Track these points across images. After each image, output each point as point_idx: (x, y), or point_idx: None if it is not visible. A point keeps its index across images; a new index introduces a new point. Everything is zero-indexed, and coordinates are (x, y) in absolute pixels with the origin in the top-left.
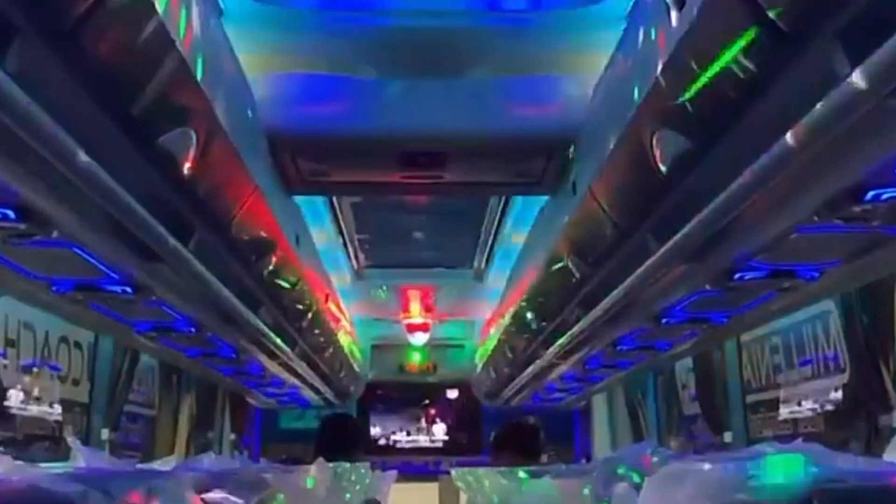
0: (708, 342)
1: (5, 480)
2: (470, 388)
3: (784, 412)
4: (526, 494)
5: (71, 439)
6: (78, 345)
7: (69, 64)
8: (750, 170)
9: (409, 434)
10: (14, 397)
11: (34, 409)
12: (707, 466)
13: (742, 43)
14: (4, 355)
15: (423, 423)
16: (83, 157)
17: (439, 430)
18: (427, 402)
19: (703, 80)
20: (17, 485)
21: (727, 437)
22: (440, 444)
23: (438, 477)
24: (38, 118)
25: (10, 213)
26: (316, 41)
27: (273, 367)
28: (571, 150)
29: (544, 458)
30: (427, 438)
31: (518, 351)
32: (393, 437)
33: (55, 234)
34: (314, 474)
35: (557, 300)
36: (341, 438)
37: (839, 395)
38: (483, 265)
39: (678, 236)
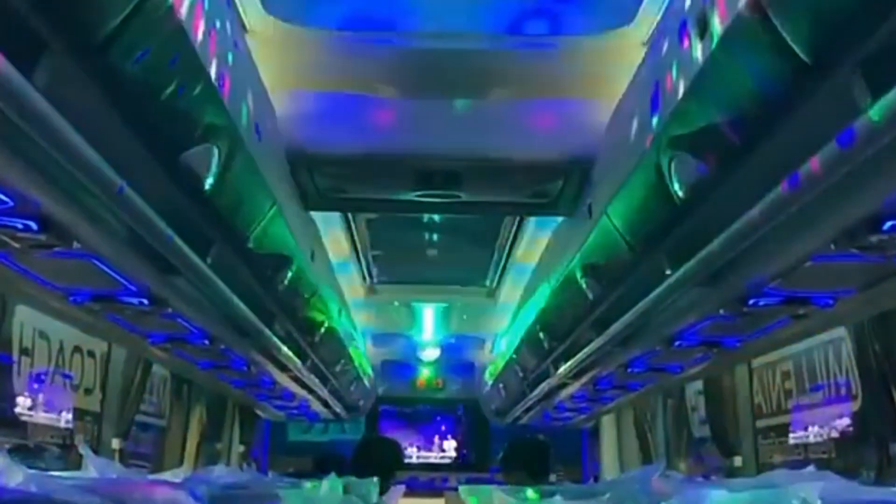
0: (719, 366)
1: (20, 491)
2: (479, 405)
3: (795, 438)
4: None
5: (82, 448)
6: (91, 354)
7: (95, 79)
8: (767, 198)
9: (417, 450)
10: (27, 405)
11: (46, 418)
12: (722, 494)
13: (763, 72)
14: (19, 363)
15: (432, 439)
16: (105, 169)
17: (448, 447)
18: (436, 418)
19: (723, 107)
20: (33, 496)
21: (737, 461)
22: (448, 461)
23: (445, 493)
24: (61, 131)
25: (32, 224)
26: (337, 61)
27: (284, 381)
28: (588, 172)
29: (552, 477)
30: (435, 454)
31: (528, 370)
32: None
33: (76, 245)
34: (323, 488)
35: (570, 321)
36: (381, 460)
37: (851, 421)
38: (496, 283)
39: (693, 261)
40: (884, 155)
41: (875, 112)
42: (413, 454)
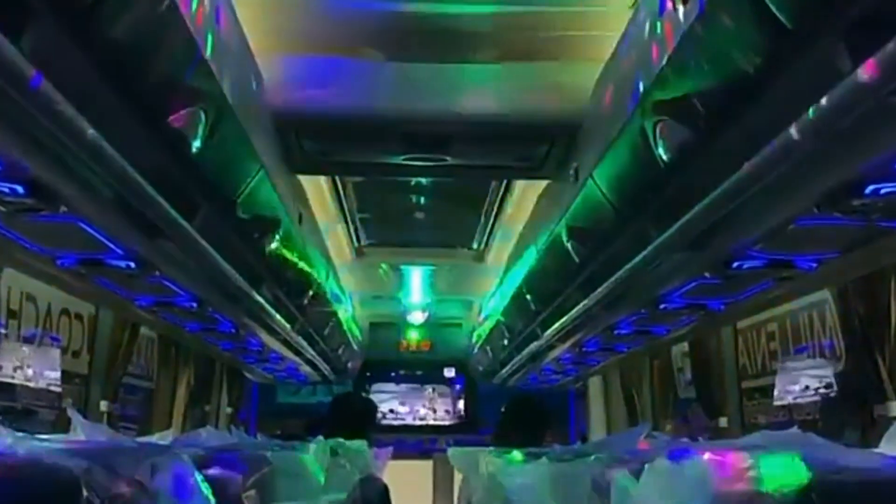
0: (705, 328)
1: (9, 454)
2: (467, 367)
3: (779, 399)
4: (521, 475)
5: (71, 412)
6: (79, 317)
7: (81, 42)
8: (751, 162)
9: (406, 411)
10: (15, 368)
11: (34, 380)
12: (706, 456)
13: (746, 38)
14: (6, 326)
15: (420, 402)
16: (92, 133)
17: (437, 409)
18: (424, 380)
19: (707, 72)
20: (21, 459)
21: (722, 422)
22: (436, 423)
23: (433, 455)
24: (48, 95)
25: (20, 188)
26: (324, 23)
27: (272, 343)
28: (574, 136)
29: None
30: (424, 416)
31: (516, 332)
32: (389, 415)
33: (63, 209)
34: (312, 450)
35: (556, 283)
36: (354, 418)
37: (834, 383)
38: (483, 246)
39: (678, 224)
40: (865, 119)
41: (856, 76)
42: (401, 416)
